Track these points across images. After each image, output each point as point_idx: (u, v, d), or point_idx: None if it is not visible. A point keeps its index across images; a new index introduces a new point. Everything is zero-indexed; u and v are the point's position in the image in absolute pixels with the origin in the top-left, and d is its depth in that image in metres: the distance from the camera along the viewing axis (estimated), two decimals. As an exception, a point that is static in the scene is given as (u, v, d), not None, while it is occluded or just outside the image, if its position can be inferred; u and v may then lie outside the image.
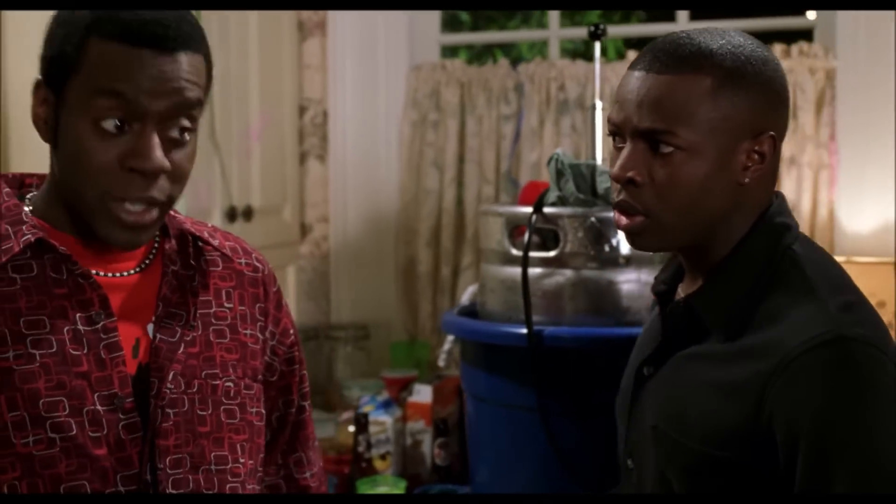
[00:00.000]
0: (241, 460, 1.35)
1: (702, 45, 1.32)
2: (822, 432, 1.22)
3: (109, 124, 1.20)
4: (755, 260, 1.36)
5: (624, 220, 1.36)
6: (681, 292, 1.45)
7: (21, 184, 1.35)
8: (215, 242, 1.40)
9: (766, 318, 1.31)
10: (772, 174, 1.38)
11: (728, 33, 1.36)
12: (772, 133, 1.34)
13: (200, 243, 1.38)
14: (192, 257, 1.36)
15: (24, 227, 1.25)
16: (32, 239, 1.24)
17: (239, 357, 1.38)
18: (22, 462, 1.20)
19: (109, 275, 1.30)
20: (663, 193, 1.32)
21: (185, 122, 1.24)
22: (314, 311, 3.46)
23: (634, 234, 1.37)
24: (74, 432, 1.22)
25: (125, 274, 1.31)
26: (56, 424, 1.21)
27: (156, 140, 1.21)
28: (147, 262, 1.33)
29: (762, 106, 1.33)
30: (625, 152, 1.34)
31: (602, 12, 4.54)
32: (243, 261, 1.43)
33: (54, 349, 1.23)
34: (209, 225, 1.44)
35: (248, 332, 1.40)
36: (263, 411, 1.42)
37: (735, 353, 1.31)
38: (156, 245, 1.35)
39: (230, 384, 1.36)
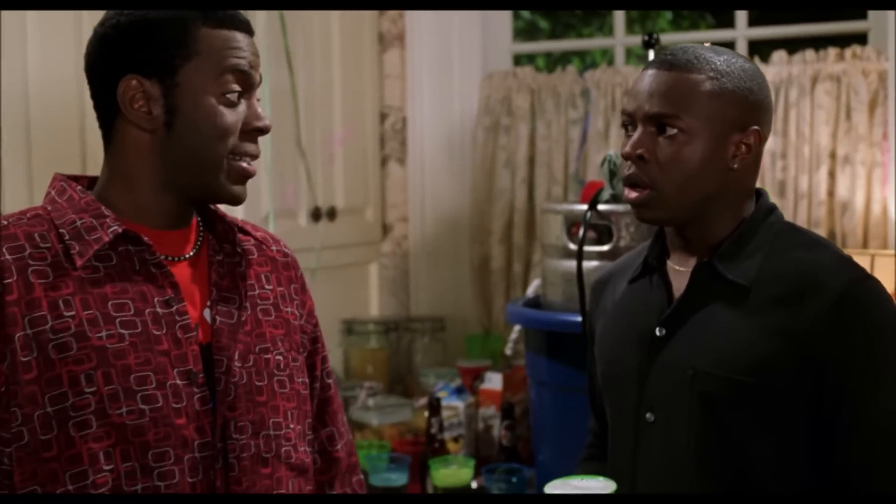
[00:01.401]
0: (292, 426, 1.48)
1: (703, 53, 1.57)
2: (874, 350, 1.50)
3: (234, 96, 1.40)
4: (761, 227, 1.60)
5: (633, 193, 1.58)
6: (677, 266, 1.64)
7: (76, 182, 1.46)
8: (249, 232, 1.55)
9: (793, 270, 1.54)
10: (755, 165, 1.61)
11: (725, 50, 1.60)
12: (756, 127, 1.57)
13: (240, 234, 1.50)
14: (237, 245, 1.48)
15: (107, 220, 1.37)
16: (120, 230, 1.36)
17: (284, 332, 1.51)
18: (116, 431, 1.31)
19: (172, 258, 1.43)
20: (666, 168, 1.55)
21: (258, 93, 1.46)
22: (395, 305, 3.61)
23: (642, 205, 1.58)
24: (160, 404, 1.33)
25: (183, 258, 1.44)
26: (146, 396, 1.33)
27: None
28: (197, 247, 1.47)
29: (749, 106, 1.56)
30: (636, 135, 1.57)
31: (672, 19, 4.65)
32: (274, 248, 1.57)
33: (139, 329, 1.35)
34: (239, 219, 1.57)
35: (289, 309, 1.54)
36: (307, 381, 1.56)
37: (773, 301, 1.53)
38: (200, 235, 1.48)
39: (280, 357, 1.48)
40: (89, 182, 1.47)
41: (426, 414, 2.79)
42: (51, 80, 2.54)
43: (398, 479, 2.58)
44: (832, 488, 1.50)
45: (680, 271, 1.63)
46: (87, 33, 2.56)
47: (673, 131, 1.54)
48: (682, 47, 1.59)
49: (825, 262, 1.54)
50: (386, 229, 3.62)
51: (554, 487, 1.48)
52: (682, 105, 1.53)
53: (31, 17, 2.49)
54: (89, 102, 2.58)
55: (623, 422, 1.67)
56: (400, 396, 3.23)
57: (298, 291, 1.59)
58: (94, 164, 2.62)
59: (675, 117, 1.54)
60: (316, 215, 3.15)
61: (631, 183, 1.58)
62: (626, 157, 1.57)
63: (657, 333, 1.61)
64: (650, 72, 1.57)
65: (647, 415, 1.61)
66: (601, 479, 1.50)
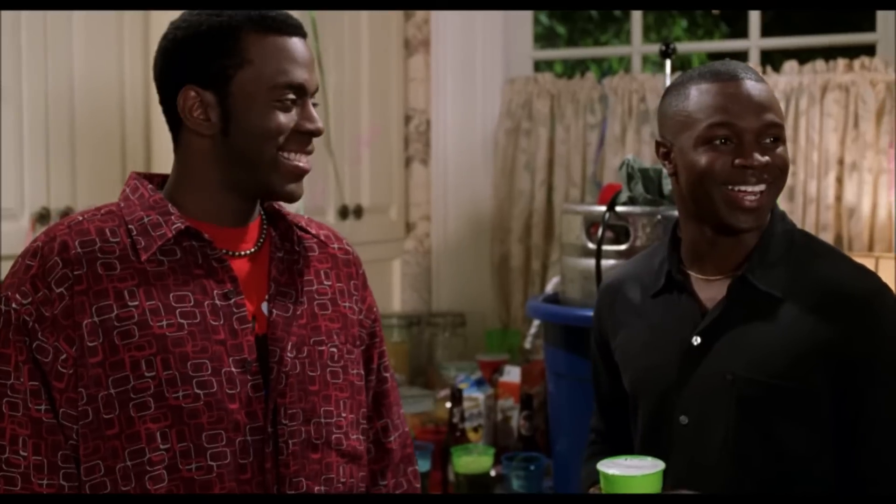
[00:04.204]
0: (344, 414, 1.54)
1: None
2: (892, 351, 1.61)
3: (287, 102, 1.44)
4: (781, 239, 1.69)
5: (754, 199, 1.64)
6: (703, 277, 1.71)
7: (149, 181, 1.52)
8: (312, 231, 1.60)
9: (818, 281, 1.64)
10: None
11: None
12: None
13: (301, 232, 1.56)
14: (295, 244, 1.54)
15: (172, 217, 1.44)
16: (182, 227, 1.43)
17: (341, 326, 1.57)
18: (172, 413, 1.38)
19: (234, 253, 1.49)
20: (780, 175, 1.66)
21: (315, 99, 1.50)
22: (417, 300, 3.71)
23: (758, 210, 1.65)
24: (215, 389, 1.41)
25: (244, 253, 1.50)
26: (201, 382, 1.40)
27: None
28: (259, 244, 1.53)
29: None
30: (758, 147, 1.63)
31: (687, 27, 4.75)
32: (336, 245, 1.63)
33: (198, 319, 1.42)
34: (304, 217, 1.64)
35: (347, 304, 1.59)
36: (363, 372, 1.61)
37: (802, 309, 1.63)
38: (264, 232, 1.54)
39: (334, 349, 1.54)
40: (161, 180, 1.54)
41: (448, 404, 2.88)
42: (95, 81, 2.65)
43: (421, 465, 2.64)
44: (855, 477, 1.62)
45: (708, 282, 1.71)
46: (129, 35, 2.72)
47: (781, 138, 1.65)
48: (736, 62, 1.68)
49: (847, 274, 1.65)
50: (409, 227, 3.72)
51: (605, 465, 1.54)
52: (781, 114, 1.66)
53: (77, 20, 2.60)
54: (130, 103, 2.74)
55: (656, 424, 1.74)
56: (421, 388, 3.34)
57: (359, 288, 1.64)
58: (133, 163, 2.75)
59: (782, 127, 1.65)
60: (343, 213, 3.24)
61: (752, 190, 1.63)
62: (756, 167, 1.61)
63: (693, 343, 1.69)
64: (748, 84, 1.63)
65: (681, 418, 1.69)
66: (649, 459, 1.56)
